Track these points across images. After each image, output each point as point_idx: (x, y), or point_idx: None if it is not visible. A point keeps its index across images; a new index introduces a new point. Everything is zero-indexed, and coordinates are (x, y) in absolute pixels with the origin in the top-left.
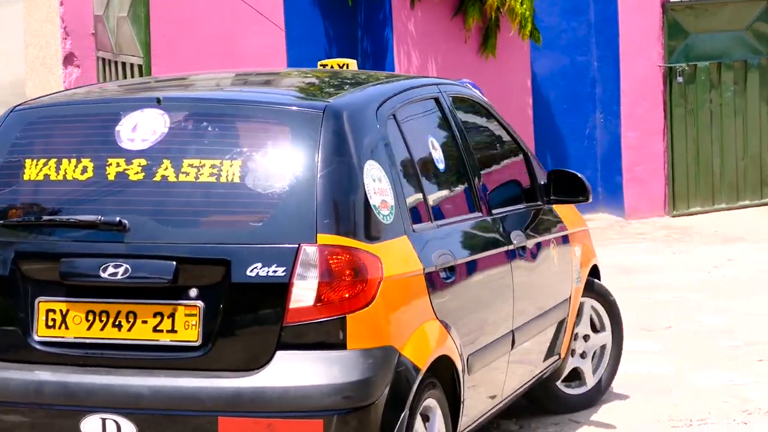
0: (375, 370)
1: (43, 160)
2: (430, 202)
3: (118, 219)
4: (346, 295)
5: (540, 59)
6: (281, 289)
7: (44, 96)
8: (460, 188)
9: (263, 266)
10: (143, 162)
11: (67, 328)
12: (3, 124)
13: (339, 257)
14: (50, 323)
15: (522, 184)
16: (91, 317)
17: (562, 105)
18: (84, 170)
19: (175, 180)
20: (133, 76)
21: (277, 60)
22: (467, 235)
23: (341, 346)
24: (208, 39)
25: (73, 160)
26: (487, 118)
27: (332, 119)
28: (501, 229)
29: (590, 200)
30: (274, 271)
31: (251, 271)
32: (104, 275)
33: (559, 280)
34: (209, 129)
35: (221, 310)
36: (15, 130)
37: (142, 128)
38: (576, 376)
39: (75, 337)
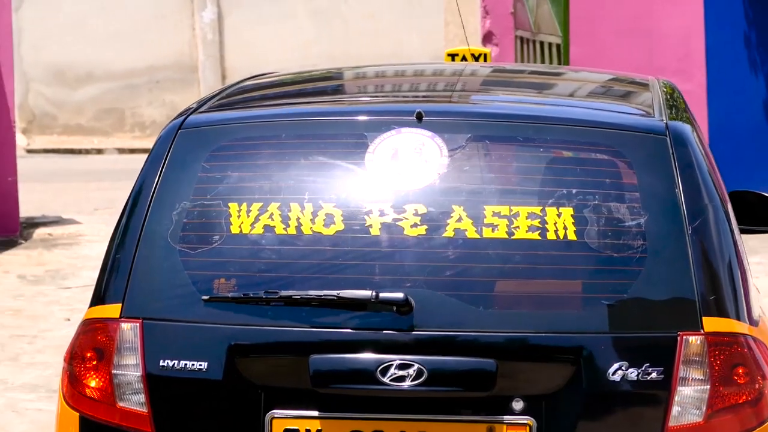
0: None
1: (258, 205)
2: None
3: (402, 295)
4: (746, 404)
5: None
6: (655, 400)
7: (218, 97)
8: None
9: (629, 366)
10: (421, 209)
11: None
12: (172, 148)
13: (736, 348)
14: None
15: None
16: None
17: None
18: (329, 220)
19: (477, 236)
20: (551, 56)
21: (694, 43)
22: None
23: None
24: (626, 19)
25: (309, 206)
26: None
27: (684, 147)
28: None
29: None
30: (646, 373)
31: (610, 372)
32: (383, 380)
33: None
34: (512, 160)
35: (563, 430)
36: (197, 156)
37: (407, 158)
38: None
39: None
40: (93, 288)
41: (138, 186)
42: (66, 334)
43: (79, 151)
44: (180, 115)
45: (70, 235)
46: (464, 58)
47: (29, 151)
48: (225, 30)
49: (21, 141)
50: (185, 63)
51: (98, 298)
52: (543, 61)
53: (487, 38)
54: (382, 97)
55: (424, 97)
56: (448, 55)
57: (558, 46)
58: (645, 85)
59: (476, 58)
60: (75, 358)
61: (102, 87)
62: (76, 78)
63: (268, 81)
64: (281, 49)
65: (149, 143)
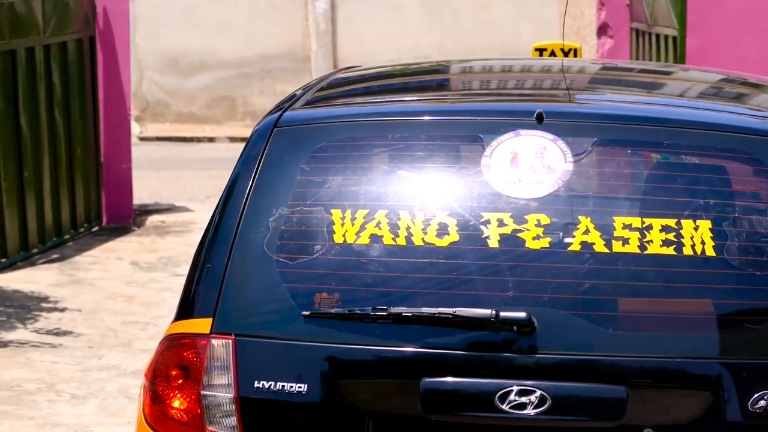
0: None
1: (363, 212)
2: None
3: (524, 314)
4: None
5: None
6: None
7: (314, 90)
8: None
9: None
10: (544, 219)
11: None
12: (267, 147)
13: None
14: None
15: None
16: None
17: None
18: (442, 230)
19: (606, 251)
20: (667, 49)
21: None
22: None
23: None
24: (745, 12)
25: (420, 214)
26: None
27: None
28: None
29: None
30: None
31: (751, 402)
32: (502, 407)
33: None
34: (643, 167)
35: None
36: (295, 158)
37: (527, 163)
38: None
39: None
40: None
41: (230, 188)
42: None
43: (191, 139)
44: (275, 109)
45: (182, 223)
46: (553, 53)
47: (142, 139)
48: (338, 20)
49: (134, 129)
50: (297, 53)
51: (185, 312)
52: (659, 54)
53: (602, 30)
54: (497, 95)
55: (542, 96)
56: (536, 49)
57: (674, 38)
58: (766, 87)
59: (566, 54)
60: (158, 376)
61: (214, 76)
62: (188, 66)
63: (366, 74)
64: (393, 39)
65: None
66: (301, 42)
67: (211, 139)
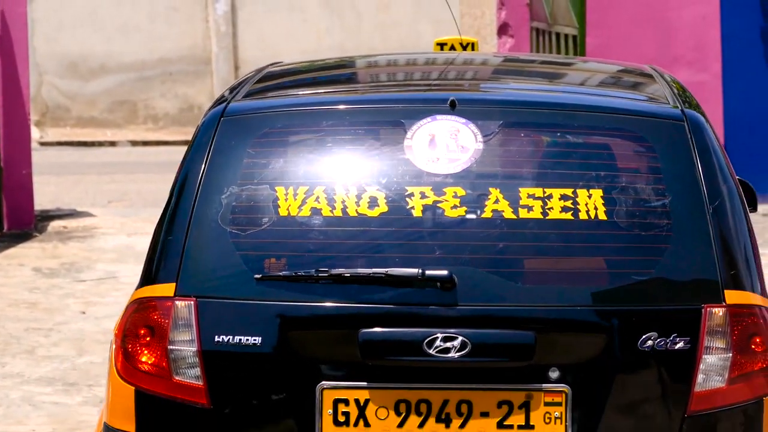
0: None
1: (303, 188)
2: None
3: (446, 272)
4: (763, 370)
5: None
6: (682, 368)
7: (249, 84)
8: None
9: (657, 336)
10: (460, 191)
11: (367, 425)
12: (216, 135)
13: (754, 320)
14: (341, 418)
15: None
16: (403, 409)
17: None
18: (373, 203)
19: (514, 217)
20: (567, 47)
21: (710, 31)
22: None
23: None
24: (641, 8)
25: (353, 189)
26: None
27: (700, 131)
28: None
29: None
30: (674, 342)
31: (640, 343)
32: (430, 351)
33: None
34: (543, 145)
35: (597, 397)
36: (241, 143)
37: (443, 143)
38: None
39: None
40: (108, 279)
41: (185, 172)
42: (81, 327)
43: (93, 144)
44: (217, 103)
45: (84, 228)
46: (453, 48)
47: (42, 144)
48: (238, 22)
49: (34, 134)
50: (198, 55)
51: (149, 279)
52: (559, 53)
53: (503, 30)
54: (415, 85)
55: (454, 85)
56: (437, 44)
57: (574, 37)
58: (651, 76)
59: (464, 47)
60: (128, 335)
61: (115, 79)
62: (89, 70)
63: (294, 68)
64: (295, 40)
65: (162, 135)
66: (202, 44)
67: (112, 143)
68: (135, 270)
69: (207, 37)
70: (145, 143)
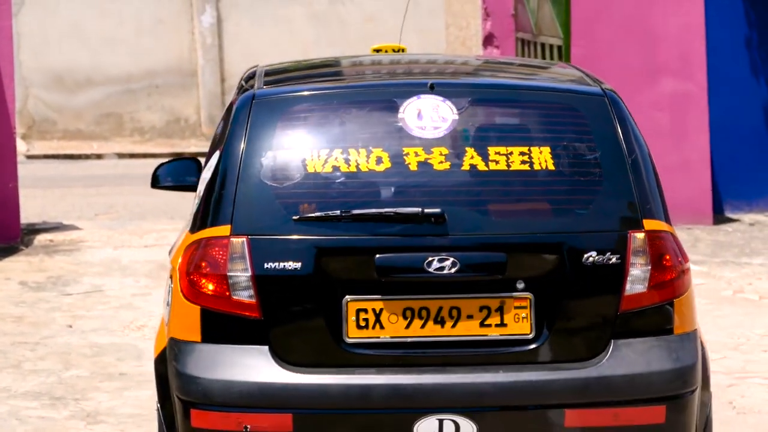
0: (697, 353)
1: (325, 151)
2: None
3: (439, 210)
4: (672, 280)
5: None
6: (617, 277)
7: (262, 78)
8: None
9: (597, 254)
10: (444, 150)
11: (381, 328)
12: (251, 113)
13: (664, 242)
14: (362, 323)
15: None
16: (408, 315)
17: None
18: (379, 161)
19: (486, 169)
20: (552, 58)
21: (694, 42)
22: None
23: (669, 331)
24: (626, 19)
25: (363, 151)
26: None
27: (616, 105)
28: None
29: None
30: (609, 259)
31: (587, 258)
32: (430, 270)
33: None
34: (502, 116)
35: (554, 301)
36: (272, 119)
37: (428, 116)
38: None
39: (392, 337)
40: (94, 292)
41: (229, 142)
42: (68, 340)
43: (79, 156)
44: (242, 91)
45: (71, 241)
46: (386, 52)
47: (29, 157)
48: (224, 34)
49: (20, 147)
50: (184, 67)
51: (204, 223)
52: None
53: (488, 40)
54: (403, 74)
55: (432, 74)
56: (374, 50)
57: (559, 47)
58: (579, 70)
59: (395, 52)
60: (195, 267)
61: (101, 92)
62: (75, 83)
63: (285, 67)
64: (280, 52)
65: (149, 148)
66: (188, 56)
67: (99, 156)
68: (122, 282)
69: (193, 50)
70: (132, 155)
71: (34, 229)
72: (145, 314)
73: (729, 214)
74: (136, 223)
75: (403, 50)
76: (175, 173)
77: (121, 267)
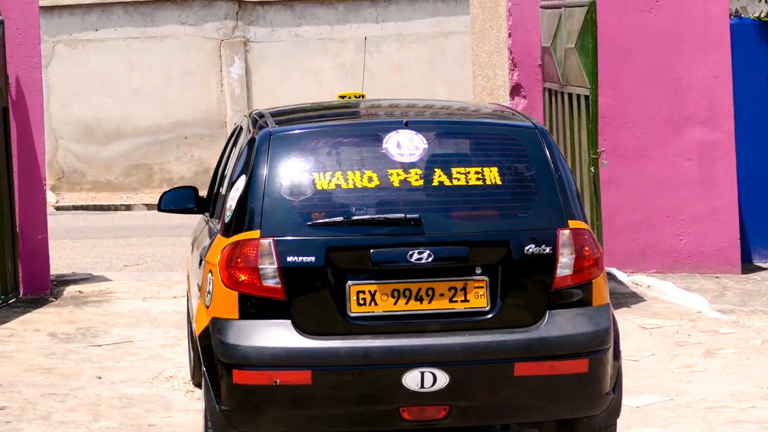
0: (610, 320)
1: (329, 173)
2: None
3: (417, 215)
4: (590, 266)
5: None
6: (550, 263)
7: (270, 119)
8: None
9: (536, 246)
10: (419, 171)
11: (376, 304)
12: (270, 146)
13: (584, 237)
14: (361, 302)
15: None
16: (396, 294)
17: None
18: (370, 179)
19: (450, 184)
20: (579, 108)
21: (722, 90)
22: None
23: (589, 303)
24: (653, 68)
25: (357, 172)
26: None
27: (545, 135)
28: None
29: None
30: (544, 249)
31: (527, 250)
32: (411, 260)
33: None
34: (460, 144)
35: (503, 282)
36: (287, 151)
37: (405, 145)
38: None
39: (384, 311)
40: (124, 343)
41: (255, 168)
42: (97, 392)
43: (108, 208)
44: (258, 129)
45: (100, 293)
46: (350, 98)
47: (58, 208)
48: (253, 85)
49: (50, 198)
50: (213, 118)
51: (239, 229)
52: (571, 113)
53: (515, 91)
54: (384, 114)
55: (407, 114)
56: (339, 96)
57: (586, 97)
58: (513, 110)
59: (357, 98)
60: (233, 262)
61: (130, 143)
62: (104, 134)
63: (285, 110)
64: (309, 102)
65: None
66: (217, 107)
67: (128, 207)
68: (151, 334)
69: (221, 101)
70: None
71: (64, 281)
72: (174, 365)
73: (757, 263)
74: (165, 274)
75: (363, 96)
76: (176, 200)
77: (151, 318)
